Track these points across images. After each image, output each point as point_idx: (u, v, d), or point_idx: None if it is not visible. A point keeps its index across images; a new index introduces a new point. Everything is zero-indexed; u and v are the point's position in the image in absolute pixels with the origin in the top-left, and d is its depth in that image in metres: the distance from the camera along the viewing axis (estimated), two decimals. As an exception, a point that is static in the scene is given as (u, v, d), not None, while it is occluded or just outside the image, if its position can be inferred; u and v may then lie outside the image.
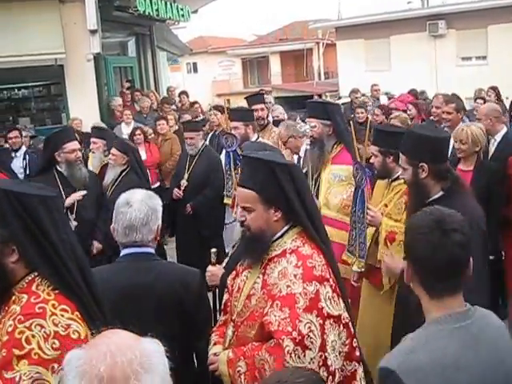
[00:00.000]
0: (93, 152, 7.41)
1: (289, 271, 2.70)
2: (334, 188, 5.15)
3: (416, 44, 24.48)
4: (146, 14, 13.02)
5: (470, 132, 5.31)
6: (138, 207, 3.03)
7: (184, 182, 7.44)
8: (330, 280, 2.73)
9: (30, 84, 14.59)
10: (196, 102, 12.66)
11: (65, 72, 11.79)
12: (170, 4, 14.10)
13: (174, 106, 12.63)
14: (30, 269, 2.28)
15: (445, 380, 1.93)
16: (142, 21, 14.06)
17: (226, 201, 6.08)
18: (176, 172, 7.94)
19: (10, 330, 2.17)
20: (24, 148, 9.29)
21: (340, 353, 2.68)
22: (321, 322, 2.61)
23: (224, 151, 6.13)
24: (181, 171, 7.64)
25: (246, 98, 8.21)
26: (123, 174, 6.40)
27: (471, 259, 2.10)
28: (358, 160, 4.50)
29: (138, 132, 9.39)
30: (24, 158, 9.02)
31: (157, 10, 13.33)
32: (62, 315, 2.21)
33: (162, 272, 3.11)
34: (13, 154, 9.06)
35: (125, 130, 10.52)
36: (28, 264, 2.27)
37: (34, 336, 2.14)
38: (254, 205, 2.80)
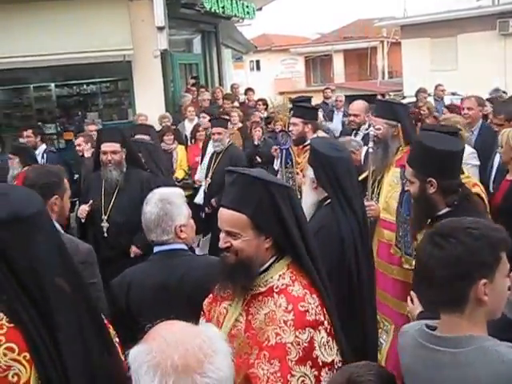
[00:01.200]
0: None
1: (277, 316, 2.33)
2: (396, 192, 4.81)
3: (485, 43, 23.78)
4: (212, 11, 13.15)
5: (507, 135, 5.15)
6: (150, 209, 3.08)
7: (208, 180, 7.51)
8: (325, 322, 2.39)
9: (97, 80, 14.88)
10: (262, 100, 12.66)
11: (132, 68, 11.98)
12: (236, 1, 14.19)
13: (236, 103, 12.69)
14: None
15: None
16: (208, 18, 14.18)
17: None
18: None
19: None
20: (44, 147, 9.10)
21: None
22: (316, 373, 2.29)
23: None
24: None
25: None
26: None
27: None
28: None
29: (201, 128, 9.46)
30: (42, 157, 8.73)
31: (223, 7, 13.44)
32: (5, 354, 1.94)
33: (191, 267, 3.11)
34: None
35: (188, 127, 10.64)
36: None
37: None
38: (242, 230, 2.41)
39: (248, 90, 14.15)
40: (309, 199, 3.83)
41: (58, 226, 3.24)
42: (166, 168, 7.14)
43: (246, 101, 13.60)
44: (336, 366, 2.36)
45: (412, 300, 3.08)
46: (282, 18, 60.69)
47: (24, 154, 7.15)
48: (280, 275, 2.41)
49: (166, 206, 3.07)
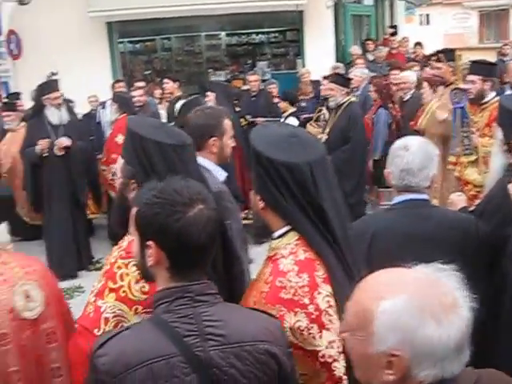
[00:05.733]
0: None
1: (259, 284, 2.18)
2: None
3: None
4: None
5: None
6: (415, 151, 2.88)
7: (324, 137, 7.18)
8: (311, 307, 2.04)
9: (266, 30, 14.89)
10: (435, 55, 11.99)
11: (304, 18, 11.80)
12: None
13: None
14: None
15: None
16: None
17: (449, 159, 5.80)
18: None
19: (112, 261, 2.28)
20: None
21: None
22: None
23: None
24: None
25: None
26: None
27: None
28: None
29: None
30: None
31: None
32: None
33: (442, 219, 2.93)
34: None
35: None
36: None
37: (127, 274, 2.21)
38: None
39: (417, 45, 13.59)
40: (497, 162, 3.59)
41: (214, 166, 3.30)
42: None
43: (413, 55, 12.98)
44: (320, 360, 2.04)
45: None
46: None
47: (122, 102, 7.66)
48: (287, 244, 2.17)
49: (429, 153, 2.93)
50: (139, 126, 2.46)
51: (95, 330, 2.19)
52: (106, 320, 2.20)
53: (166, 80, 8.69)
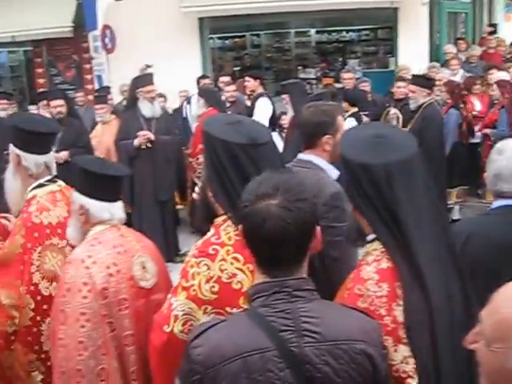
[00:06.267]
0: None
1: (342, 288, 2.11)
2: None
3: None
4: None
5: None
6: (509, 156, 2.74)
7: None
8: (387, 319, 1.93)
9: (356, 27, 14.68)
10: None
11: (398, 16, 11.51)
12: None
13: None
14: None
15: None
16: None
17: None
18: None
19: (186, 259, 2.33)
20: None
21: None
22: None
23: None
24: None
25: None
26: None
27: None
28: None
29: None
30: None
31: None
32: (232, 263, 2.23)
33: None
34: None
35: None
36: (220, 205, 2.35)
37: (198, 274, 2.24)
38: None
39: (512, 45, 12.91)
40: None
41: (327, 165, 3.19)
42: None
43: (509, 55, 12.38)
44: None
45: None
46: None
47: (209, 96, 7.70)
48: (373, 250, 2.07)
49: None
50: (211, 125, 2.46)
51: (164, 327, 2.26)
52: (176, 317, 2.25)
53: (247, 78, 8.65)
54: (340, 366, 1.68)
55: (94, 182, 2.68)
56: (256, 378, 1.65)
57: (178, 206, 8.57)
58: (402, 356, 1.91)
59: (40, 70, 12.82)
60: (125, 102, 8.54)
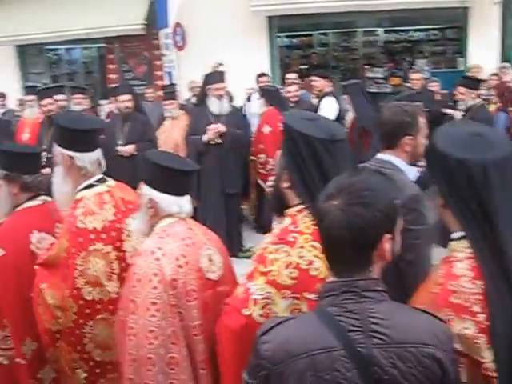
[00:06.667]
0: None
1: (429, 283, 2.10)
2: None
3: None
4: None
5: None
6: None
7: None
8: (480, 316, 1.91)
9: (424, 27, 14.50)
10: None
11: (468, 15, 11.33)
12: None
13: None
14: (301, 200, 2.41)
15: None
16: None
17: None
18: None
19: (264, 246, 2.41)
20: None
21: None
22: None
23: None
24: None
25: None
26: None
27: None
28: None
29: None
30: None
31: None
32: (310, 251, 2.29)
33: None
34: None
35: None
36: (298, 195, 2.42)
37: (277, 260, 2.30)
38: None
39: None
40: None
41: (406, 166, 3.15)
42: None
43: None
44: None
45: None
46: None
47: (269, 95, 7.84)
48: (465, 248, 2.02)
49: None
50: (293, 119, 2.52)
51: (243, 310, 2.31)
52: (255, 301, 2.30)
53: (314, 78, 8.68)
54: (408, 369, 1.67)
55: (165, 176, 2.73)
56: (323, 376, 1.67)
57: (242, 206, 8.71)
58: (484, 352, 1.89)
59: (112, 66, 13.23)
60: (193, 99, 8.71)
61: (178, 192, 2.77)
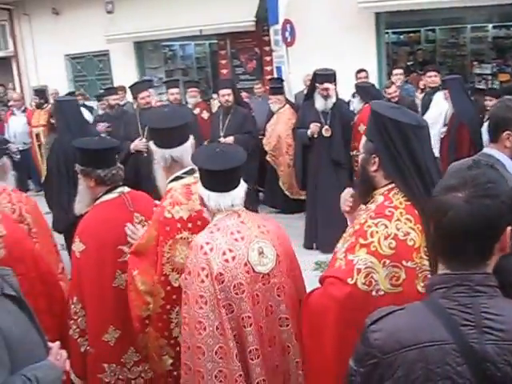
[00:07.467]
0: None
1: None
2: None
3: None
4: None
5: None
6: None
7: None
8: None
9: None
10: None
11: None
12: None
13: None
14: (389, 181, 2.60)
15: None
16: None
17: None
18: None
19: (362, 221, 2.57)
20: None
21: None
22: None
23: None
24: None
25: None
26: None
27: None
28: None
29: None
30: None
31: None
32: (405, 223, 2.49)
33: None
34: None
35: None
36: (386, 176, 2.60)
37: (377, 232, 2.48)
38: None
39: None
40: None
41: (508, 160, 3.20)
42: None
43: None
44: None
45: None
46: None
47: (364, 92, 8.01)
48: None
49: None
50: (381, 107, 2.69)
51: (348, 279, 2.45)
52: (359, 270, 2.45)
53: (431, 73, 8.71)
54: None
55: (210, 177, 2.88)
56: (433, 369, 1.63)
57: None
58: None
59: (223, 62, 13.74)
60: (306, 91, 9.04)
61: (224, 189, 2.87)
